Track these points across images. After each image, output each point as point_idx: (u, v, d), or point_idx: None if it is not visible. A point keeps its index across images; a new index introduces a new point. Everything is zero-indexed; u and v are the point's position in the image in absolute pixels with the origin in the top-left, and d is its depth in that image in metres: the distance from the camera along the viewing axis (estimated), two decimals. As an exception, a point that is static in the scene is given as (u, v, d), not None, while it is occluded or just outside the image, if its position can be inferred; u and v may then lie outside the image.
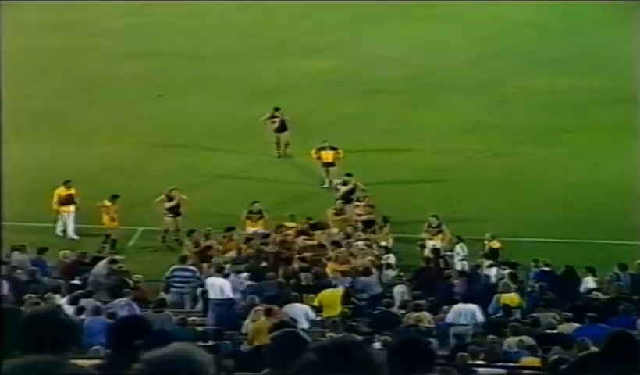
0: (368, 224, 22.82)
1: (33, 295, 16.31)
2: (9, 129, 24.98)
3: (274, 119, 27.82)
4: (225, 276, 18.99)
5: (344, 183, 24.29)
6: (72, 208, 23.39)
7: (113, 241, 22.57)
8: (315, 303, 17.87)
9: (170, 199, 23.05)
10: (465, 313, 17.41)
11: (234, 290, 18.61)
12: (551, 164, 27.54)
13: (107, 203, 22.87)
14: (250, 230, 22.39)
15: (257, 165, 27.80)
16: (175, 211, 22.97)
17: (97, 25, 37.77)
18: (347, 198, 23.95)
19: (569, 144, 28.55)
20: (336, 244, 21.09)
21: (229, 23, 38.23)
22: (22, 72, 32.69)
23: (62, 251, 20.57)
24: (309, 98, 32.38)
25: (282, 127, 27.83)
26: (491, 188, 26.05)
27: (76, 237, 23.41)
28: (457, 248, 21.54)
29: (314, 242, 21.37)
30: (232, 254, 21.05)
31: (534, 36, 37.19)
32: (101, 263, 19.48)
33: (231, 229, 21.81)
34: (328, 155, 25.84)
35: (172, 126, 30.04)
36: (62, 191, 23.32)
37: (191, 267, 19.75)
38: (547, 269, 19.80)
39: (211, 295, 18.33)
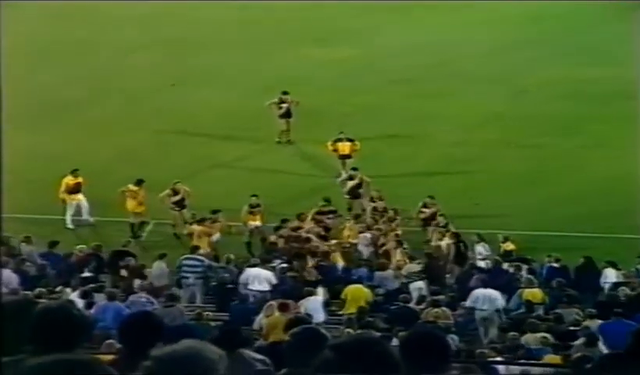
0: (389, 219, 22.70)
1: (43, 289, 16.37)
2: (20, 119, 25.34)
3: (281, 105, 27.77)
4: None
5: (350, 178, 24.10)
6: (80, 196, 23.49)
7: (141, 224, 22.65)
8: (342, 296, 17.91)
9: (175, 193, 23.08)
10: (484, 298, 17.53)
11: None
12: (574, 156, 27.34)
13: (133, 187, 23.06)
14: (252, 224, 22.37)
15: (271, 156, 27.79)
16: (181, 204, 23.00)
17: (109, 13, 37.81)
18: (355, 193, 23.82)
19: (593, 135, 28.36)
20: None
21: (244, 11, 38.17)
22: (33, 61, 32.90)
23: (78, 246, 20.59)
24: (325, 88, 32.29)
25: (288, 113, 27.73)
26: (512, 181, 25.90)
27: (91, 219, 23.50)
28: (479, 247, 21.17)
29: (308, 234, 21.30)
30: (218, 236, 21.42)
31: (556, 26, 36.91)
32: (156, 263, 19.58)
33: (217, 211, 21.89)
34: (344, 147, 25.71)
35: (185, 116, 30.04)
36: (69, 179, 23.44)
37: (199, 257, 19.79)
38: (556, 265, 19.67)
39: (256, 286, 18.43)
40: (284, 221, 21.78)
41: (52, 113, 29.78)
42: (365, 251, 21.41)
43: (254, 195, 22.91)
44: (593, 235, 22.39)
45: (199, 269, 19.47)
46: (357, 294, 17.95)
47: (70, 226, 23.51)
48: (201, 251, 20.44)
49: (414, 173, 26.48)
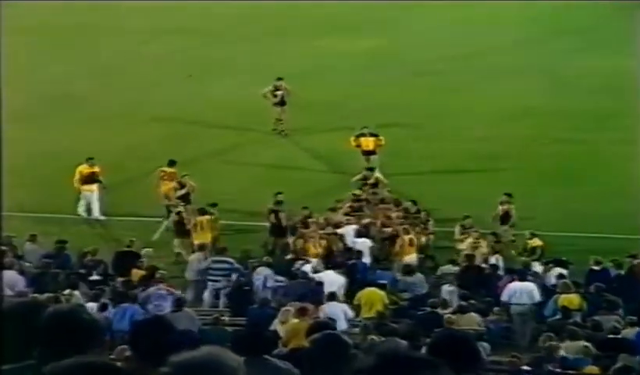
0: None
1: (50, 294, 16.36)
2: (26, 114, 25.40)
3: (276, 93, 27.86)
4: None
5: (365, 179, 23.84)
6: (95, 187, 23.47)
7: (213, 204, 22.59)
8: (355, 301, 17.84)
9: (182, 186, 23.04)
10: (521, 292, 17.62)
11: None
12: (610, 152, 27.11)
13: (167, 169, 23.26)
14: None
15: (289, 151, 27.77)
16: (186, 199, 22.93)
17: (120, 1, 37.96)
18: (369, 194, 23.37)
19: (630, 131, 28.06)
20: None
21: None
22: (41, 51, 33.04)
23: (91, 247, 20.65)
24: (346, 81, 32.30)
25: (282, 102, 27.84)
26: (543, 178, 25.70)
27: (102, 217, 23.55)
28: (492, 259, 20.72)
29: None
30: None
31: (592, 13, 36.69)
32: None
33: (214, 205, 22.06)
34: (368, 142, 25.49)
35: (200, 109, 30.09)
36: (84, 168, 23.45)
37: (229, 258, 19.79)
38: (596, 268, 19.46)
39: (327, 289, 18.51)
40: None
41: (60, 107, 29.89)
42: (351, 242, 21.15)
43: (279, 193, 22.67)
44: (631, 237, 22.10)
45: (228, 272, 19.49)
46: (371, 297, 17.86)
47: (83, 213, 23.42)
48: (196, 243, 20.84)
49: (439, 171, 26.33)
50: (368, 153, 25.53)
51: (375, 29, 36.28)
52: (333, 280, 18.65)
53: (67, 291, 17.34)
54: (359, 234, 21.47)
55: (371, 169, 24.24)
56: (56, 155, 26.01)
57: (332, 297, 17.50)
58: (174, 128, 29.05)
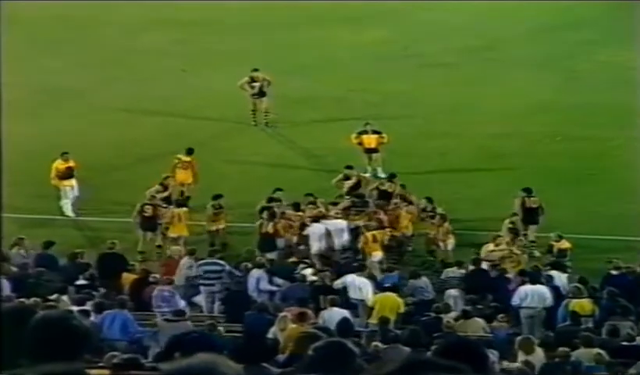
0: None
1: (38, 299, 16.49)
2: (20, 108, 25.41)
3: (253, 84, 27.89)
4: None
5: (346, 178, 23.66)
6: (73, 182, 23.65)
7: (187, 197, 22.86)
8: (369, 304, 18.07)
9: (165, 188, 23.12)
10: (533, 294, 17.80)
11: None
12: (629, 150, 27.15)
13: (184, 158, 23.80)
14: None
15: (290, 148, 27.85)
16: (169, 201, 22.99)
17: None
18: (353, 195, 23.15)
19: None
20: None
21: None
22: (34, 43, 33.12)
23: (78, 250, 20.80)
24: (353, 74, 32.31)
25: (261, 93, 27.87)
26: (559, 178, 25.77)
27: (72, 214, 23.67)
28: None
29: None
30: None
31: (608, 4, 36.68)
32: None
33: (219, 197, 22.43)
34: (370, 140, 25.40)
35: (198, 104, 30.16)
36: (59, 163, 23.60)
37: (220, 261, 19.95)
38: (615, 272, 19.48)
39: (352, 295, 18.73)
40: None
41: (54, 101, 29.98)
42: (317, 245, 21.32)
43: (278, 189, 22.83)
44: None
45: (222, 275, 19.62)
46: (386, 302, 18.02)
47: (70, 213, 23.53)
48: (172, 235, 21.64)
49: (449, 169, 26.41)
50: (371, 151, 25.47)
51: (379, 20, 36.28)
52: (358, 284, 18.93)
53: (55, 296, 17.44)
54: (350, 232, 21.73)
55: (351, 167, 23.89)
56: (46, 150, 26.12)
57: (334, 303, 17.65)
58: (172, 123, 29.15)
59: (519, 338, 15.45)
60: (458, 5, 36.78)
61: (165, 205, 22.62)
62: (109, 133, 28.17)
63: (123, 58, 33.18)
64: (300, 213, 21.98)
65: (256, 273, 19.37)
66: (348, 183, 23.54)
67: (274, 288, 19.30)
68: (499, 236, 21.19)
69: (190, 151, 24.08)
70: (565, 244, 21.28)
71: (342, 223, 21.72)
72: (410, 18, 36.51)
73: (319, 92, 31.00)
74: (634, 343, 15.50)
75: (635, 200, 24.03)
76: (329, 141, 27.32)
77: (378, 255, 21.23)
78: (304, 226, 21.70)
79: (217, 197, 22.43)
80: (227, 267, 19.85)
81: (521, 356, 15.66)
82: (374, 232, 21.44)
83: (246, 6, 37.09)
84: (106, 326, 16.39)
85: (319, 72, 32.37)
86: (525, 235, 22.16)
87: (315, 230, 21.47)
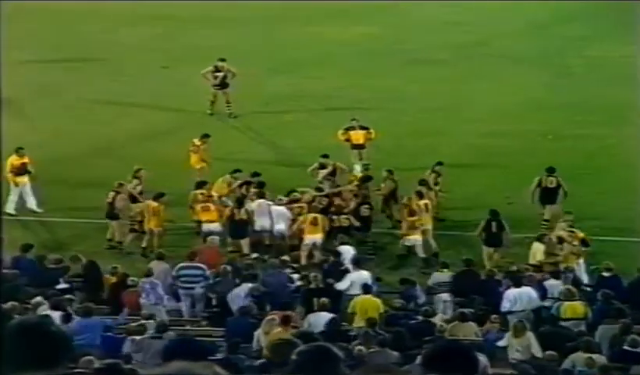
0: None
1: (15, 303, 16.36)
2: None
3: (216, 74, 28.11)
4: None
5: (322, 167, 23.88)
6: (26, 178, 23.57)
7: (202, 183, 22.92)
8: (349, 309, 17.96)
9: (139, 181, 23.01)
10: (520, 297, 17.80)
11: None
12: (624, 148, 27.14)
13: (196, 142, 24.42)
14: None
15: (277, 148, 27.79)
16: (142, 194, 22.91)
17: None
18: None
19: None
20: None
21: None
22: (12, 37, 32.97)
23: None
24: (343, 70, 32.35)
25: (223, 84, 28.09)
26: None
27: (38, 209, 23.62)
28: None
29: None
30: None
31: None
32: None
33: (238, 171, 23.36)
34: (358, 136, 25.51)
35: (182, 102, 30.08)
36: (14, 159, 23.50)
37: (200, 265, 19.84)
38: (607, 274, 19.41)
39: (354, 291, 18.76)
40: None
41: (32, 97, 29.86)
42: (260, 222, 21.88)
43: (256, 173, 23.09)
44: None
45: (201, 279, 19.50)
46: (366, 305, 17.90)
47: (11, 211, 23.28)
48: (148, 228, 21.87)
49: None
50: (358, 147, 25.57)
51: (367, 15, 36.29)
52: (362, 278, 19.08)
53: (34, 301, 17.33)
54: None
55: (326, 156, 24.13)
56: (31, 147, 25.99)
57: (323, 306, 17.52)
58: (157, 118, 29.10)
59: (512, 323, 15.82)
60: (448, 1, 36.82)
61: (141, 200, 22.69)
62: (86, 129, 28.02)
63: (103, 53, 33.12)
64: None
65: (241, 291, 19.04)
66: (323, 172, 23.79)
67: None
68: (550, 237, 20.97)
69: (204, 136, 24.72)
70: (580, 234, 21.15)
71: (285, 211, 22.14)
72: (400, 14, 36.51)
73: (308, 88, 30.92)
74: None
75: (631, 198, 24.02)
76: (317, 138, 27.24)
77: (313, 238, 21.44)
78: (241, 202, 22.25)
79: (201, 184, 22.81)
80: (207, 272, 19.71)
81: (511, 339, 15.72)
82: (316, 215, 21.72)
83: (232, 2, 37.03)
84: (85, 330, 16.25)
85: (308, 68, 32.30)
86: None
87: (258, 206, 21.98)
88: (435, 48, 33.82)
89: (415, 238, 21.78)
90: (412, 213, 21.94)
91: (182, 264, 19.93)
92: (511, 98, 30.42)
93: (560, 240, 20.63)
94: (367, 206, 22.63)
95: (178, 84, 30.91)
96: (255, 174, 23.40)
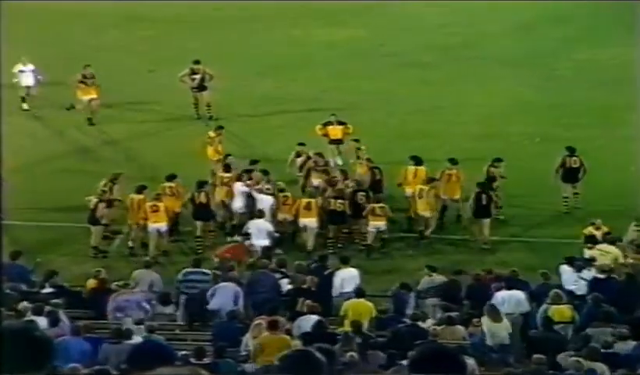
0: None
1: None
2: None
3: (194, 76, 28.32)
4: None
5: (298, 155, 24.75)
6: None
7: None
8: (341, 313, 18.01)
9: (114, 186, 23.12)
10: (509, 300, 17.90)
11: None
12: (613, 150, 27.34)
13: (211, 134, 25.17)
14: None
15: (261, 151, 27.86)
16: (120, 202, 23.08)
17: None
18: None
19: (635, 126, 28.35)
20: None
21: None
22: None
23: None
24: (328, 73, 32.43)
25: (201, 86, 28.38)
26: (540, 180, 25.91)
27: None
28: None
29: None
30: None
31: (591, 2, 36.91)
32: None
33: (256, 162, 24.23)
34: (335, 131, 26.06)
35: (168, 106, 30.13)
36: None
37: (206, 270, 19.92)
38: (601, 276, 19.57)
39: (347, 289, 19.09)
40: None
41: (14, 102, 29.88)
42: (239, 202, 23.01)
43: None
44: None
45: (207, 285, 19.44)
46: (359, 309, 17.97)
47: None
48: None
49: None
50: (335, 142, 26.11)
51: (355, 17, 36.40)
52: (352, 276, 19.57)
53: (21, 306, 17.37)
54: None
55: (303, 144, 25.01)
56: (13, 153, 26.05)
57: (312, 310, 17.63)
58: (142, 120, 29.16)
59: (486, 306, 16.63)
60: (435, 2, 36.97)
61: (119, 199, 22.96)
62: (74, 133, 28.10)
63: (89, 55, 33.10)
64: (229, 174, 23.43)
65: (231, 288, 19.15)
66: (299, 161, 24.66)
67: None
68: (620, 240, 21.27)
69: (218, 128, 25.56)
70: (604, 228, 21.47)
71: (268, 198, 22.91)
72: (387, 16, 36.60)
73: (293, 91, 31.04)
74: (611, 350, 15.59)
75: (620, 200, 24.22)
76: (304, 140, 27.37)
77: (305, 221, 22.46)
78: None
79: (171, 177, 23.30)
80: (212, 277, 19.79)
81: (487, 323, 15.96)
82: (310, 199, 22.63)
83: (218, 4, 37.11)
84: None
85: (293, 71, 32.43)
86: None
87: (239, 188, 23.05)
88: (423, 49, 33.95)
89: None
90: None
91: (188, 269, 19.95)
92: (498, 100, 30.58)
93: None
94: (363, 194, 23.09)
95: (164, 87, 30.95)
96: (254, 162, 24.19)
